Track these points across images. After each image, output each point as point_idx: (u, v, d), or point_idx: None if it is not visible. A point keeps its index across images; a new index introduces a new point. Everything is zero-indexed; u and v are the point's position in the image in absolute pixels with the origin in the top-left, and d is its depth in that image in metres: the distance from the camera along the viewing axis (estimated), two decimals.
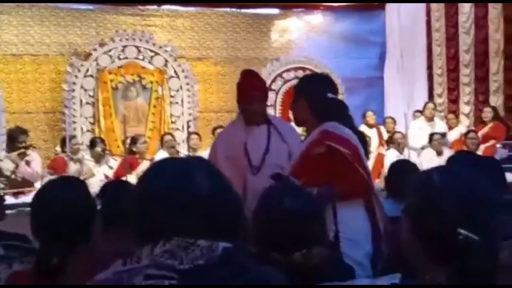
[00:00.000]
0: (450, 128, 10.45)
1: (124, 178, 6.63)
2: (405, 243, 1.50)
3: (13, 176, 7.03)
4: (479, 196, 1.43)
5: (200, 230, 1.32)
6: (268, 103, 11.24)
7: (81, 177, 6.93)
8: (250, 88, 4.12)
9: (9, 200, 5.96)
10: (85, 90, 10.12)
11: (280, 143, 4.05)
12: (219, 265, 1.30)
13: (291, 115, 10.98)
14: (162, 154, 8.35)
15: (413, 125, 9.93)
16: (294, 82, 11.33)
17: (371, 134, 10.14)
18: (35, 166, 7.22)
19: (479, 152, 9.14)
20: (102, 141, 8.50)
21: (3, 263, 2.14)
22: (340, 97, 11.86)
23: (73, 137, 8.22)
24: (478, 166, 2.90)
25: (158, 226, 1.33)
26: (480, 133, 9.59)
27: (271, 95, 11.29)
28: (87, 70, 10.13)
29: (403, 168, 4.00)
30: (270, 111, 11.26)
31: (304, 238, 2.16)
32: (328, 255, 2.22)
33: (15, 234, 2.76)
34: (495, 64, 11.38)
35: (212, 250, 1.31)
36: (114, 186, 2.92)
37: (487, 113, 10.03)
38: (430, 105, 10.33)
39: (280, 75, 11.36)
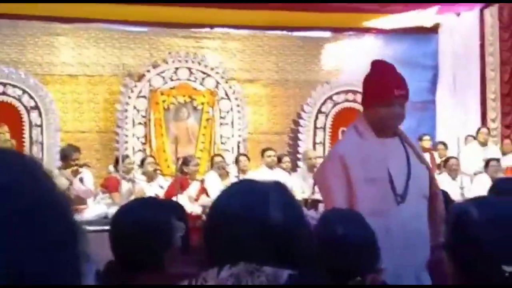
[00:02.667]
0: (504, 154, 10.24)
1: (174, 198, 6.69)
2: (452, 279, 1.46)
3: (66, 193, 7.17)
4: None
5: (268, 258, 1.33)
6: (318, 125, 11.39)
7: (132, 197, 7.04)
8: (393, 85, 3.19)
9: None
10: (138, 111, 10.30)
11: (419, 164, 3.25)
12: None
13: (340, 139, 11.01)
14: (212, 175, 8.41)
15: (465, 150, 9.77)
16: (344, 105, 11.34)
17: None
18: (88, 183, 7.37)
19: None
20: (154, 160, 8.62)
21: None
22: None
23: (126, 156, 8.36)
24: None
25: (227, 249, 1.35)
26: None
27: (321, 117, 11.29)
28: (140, 91, 10.32)
29: None
30: (319, 133, 11.26)
31: (358, 265, 2.15)
32: (382, 282, 2.21)
33: None
34: None
35: (277, 277, 1.31)
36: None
37: None
38: (484, 130, 10.16)
39: (330, 98, 11.34)
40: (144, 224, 2.03)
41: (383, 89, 3.17)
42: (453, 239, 1.43)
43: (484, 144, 9.93)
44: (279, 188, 1.44)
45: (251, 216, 1.34)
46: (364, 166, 3.05)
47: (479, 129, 10.16)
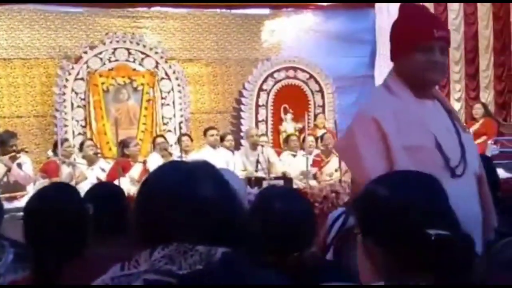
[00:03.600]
0: None
1: (117, 181, 6.62)
2: (376, 264, 1.48)
3: (5, 179, 7.01)
4: (428, 194, 1.43)
5: (200, 237, 1.32)
6: (260, 102, 11.42)
7: (74, 181, 6.93)
8: (431, 25, 2.53)
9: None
10: (76, 93, 10.10)
11: (467, 134, 2.71)
12: (218, 270, 1.30)
13: (282, 116, 11.08)
14: (154, 157, 8.34)
15: None
16: (285, 82, 11.40)
17: None
18: (27, 169, 7.22)
19: None
20: (94, 143, 8.50)
21: (10, 272, 2.14)
22: (331, 95, 11.86)
23: (65, 140, 8.20)
24: None
25: (158, 231, 1.33)
26: (471, 130, 9.62)
27: (263, 95, 11.33)
28: (78, 73, 10.11)
29: None
30: (261, 111, 11.30)
31: (297, 240, 2.17)
32: (321, 256, 2.23)
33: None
34: (485, 61, 11.45)
35: (211, 255, 1.30)
36: (103, 189, 2.89)
37: (478, 110, 10.08)
38: None
39: (271, 75, 11.37)
40: (60, 207, 2.03)
41: (419, 30, 2.51)
42: (371, 223, 1.46)
43: None
44: (208, 166, 1.44)
45: (181, 195, 1.33)
46: (403, 130, 2.42)
47: None
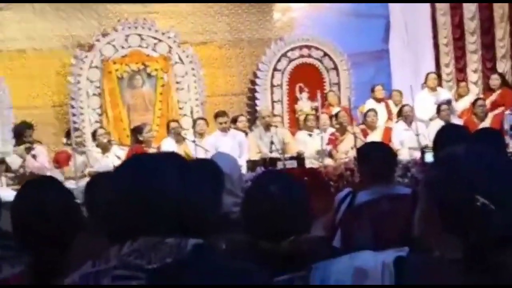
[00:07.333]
0: (461, 96, 10.37)
1: None
2: (421, 215, 1.46)
3: (21, 171, 7.09)
4: (503, 173, 1.41)
5: (169, 229, 1.31)
6: (275, 83, 11.35)
7: (87, 169, 6.99)
8: None
9: None
10: (91, 82, 10.15)
11: None
12: (189, 263, 1.29)
13: (298, 95, 11.02)
14: (168, 141, 8.38)
15: (417, 97, 9.87)
16: (300, 61, 11.33)
17: (379, 108, 10.10)
18: (42, 159, 7.30)
19: (488, 119, 9.08)
20: (106, 131, 8.55)
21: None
22: (346, 72, 11.72)
23: (76, 129, 8.26)
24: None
25: (127, 225, 1.32)
26: (488, 101, 9.52)
27: (277, 75, 11.27)
28: (92, 62, 10.15)
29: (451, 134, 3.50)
30: (276, 91, 11.26)
31: (291, 225, 2.15)
32: (317, 241, 2.22)
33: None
34: (501, 30, 11.26)
35: (181, 248, 1.30)
36: (93, 182, 2.89)
37: (495, 80, 9.95)
38: (432, 75, 10.26)
39: (284, 54, 11.30)
40: (40, 208, 2.04)
41: None
42: (437, 174, 1.45)
43: (434, 89, 10.04)
44: (174, 157, 1.43)
45: (147, 186, 1.33)
46: None
47: (427, 75, 10.24)
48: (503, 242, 1.35)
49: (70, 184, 6.93)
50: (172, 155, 1.45)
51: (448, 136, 3.45)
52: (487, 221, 1.34)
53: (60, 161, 7.60)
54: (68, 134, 7.85)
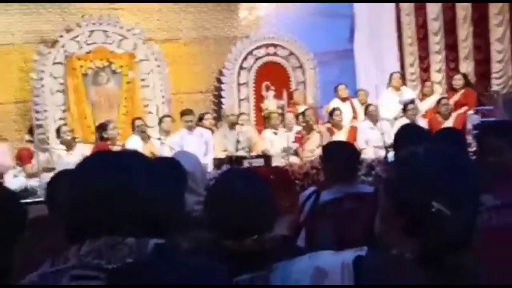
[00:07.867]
0: (425, 96, 10.49)
1: None
2: (381, 214, 1.48)
3: None
4: (462, 172, 1.42)
5: (132, 228, 1.30)
6: (241, 81, 11.33)
7: (50, 166, 6.89)
8: None
9: None
10: (55, 78, 9.98)
11: None
12: (150, 263, 1.28)
13: (264, 93, 11.03)
14: (133, 139, 8.31)
15: (382, 97, 9.96)
16: (266, 59, 11.34)
17: (345, 107, 10.15)
18: (2, 157, 7.17)
19: (451, 119, 9.20)
20: (69, 128, 8.44)
21: None
22: (312, 71, 11.80)
23: (39, 126, 8.14)
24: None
25: (88, 223, 1.30)
26: (451, 101, 9.64)
27: (243, 73, 11.26)
28: (55, 58, 9.99)
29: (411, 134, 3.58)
30: (243, 89, 11.25)
31: (254, 223, 2.15)
32: (280, 239, 2.21)
33: None
34: (464, 31, 11.42)
35: (141, 248, 1.28)
36: (56, 179, 2.83)
37: (458, 80, 10.08)
38: (396, 75, 10.38)
39: (250, 52, 11.30)
40: None
41: None
42: (397, 174, 1.46)
43: (398, 89, 10.15)
44: (137, 155, 1.42)
45: (111, 185, 1.31)
46: None
47: (391, 75, 10.35)
48: (459, 245, 1.37)
49: (33, 182, 6.86)
50: (136, 153, 1.43)
51: (408, 136, 3.50)
52: (442, 226, 1.35)
53: (22, 158, 7.48)
54: (31, 131, 7.72)
